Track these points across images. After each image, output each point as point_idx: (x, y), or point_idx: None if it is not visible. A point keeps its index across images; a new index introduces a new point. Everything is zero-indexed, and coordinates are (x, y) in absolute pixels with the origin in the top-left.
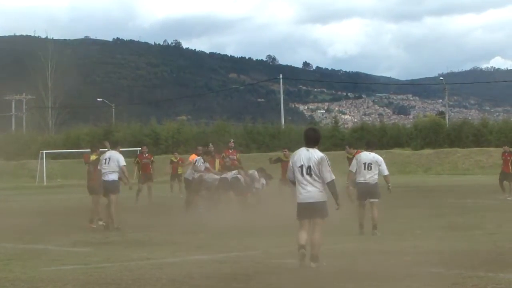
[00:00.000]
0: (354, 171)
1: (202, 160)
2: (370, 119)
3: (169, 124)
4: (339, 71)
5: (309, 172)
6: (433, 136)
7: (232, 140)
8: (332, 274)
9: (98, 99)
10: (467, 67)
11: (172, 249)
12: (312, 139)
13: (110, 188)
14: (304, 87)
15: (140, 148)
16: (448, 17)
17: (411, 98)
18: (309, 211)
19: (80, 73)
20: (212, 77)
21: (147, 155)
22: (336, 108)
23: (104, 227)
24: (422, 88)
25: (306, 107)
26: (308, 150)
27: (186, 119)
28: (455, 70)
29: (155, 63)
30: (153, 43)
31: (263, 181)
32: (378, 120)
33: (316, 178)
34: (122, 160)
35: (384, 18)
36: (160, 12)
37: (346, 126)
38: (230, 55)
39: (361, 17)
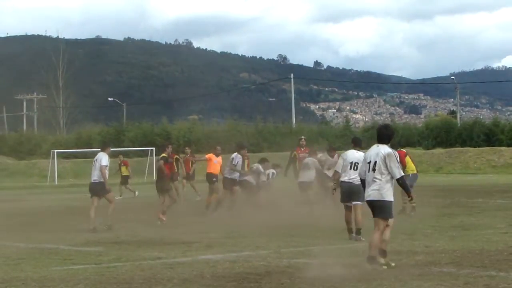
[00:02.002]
0: (340, 171)
1: (239, 157)
2: (381, 118)
3: (180, 123)
4: (350, 70)
5: (374, 168)
6: (445, 135)
7: (303, 137)
8: (343, 273)
9: (109, 99)
10: (479, 66)
11: (183, 248)
12: (382, 136)
13: (95, 189)
14: (315, 87)
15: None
16: (461, 16)
17: (423, 98)
18: (371, 209)
19: (91, 73)
20: (223, 77)
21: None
22: (347, 108)
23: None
24: (433, 87)
25: (317, 106)
26: (378, 146)
27: (197, 118)
28: (467, 69)
29: (166, 62)
30: (164, 43)
31: (270, 171)
32: (389, 119)
33: (378, 176)
34: (104, 161)
35: (397, 17)
36: (172, 12)
37: (357, 125)
38: (241, 55)
39: (374, 16)
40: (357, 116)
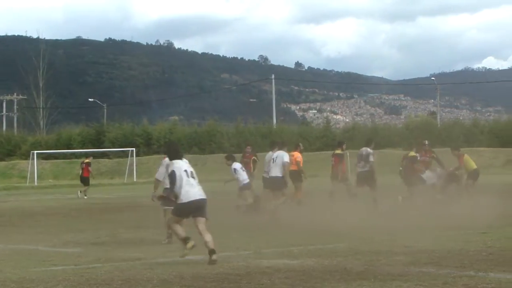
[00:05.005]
0: (161, 179)
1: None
2: (362, 119)
3: (161, 124)
4: (331, 71)
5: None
6: (425, 136)
7: (426, 141)
8: (323, 274)
9: (90, 99)
10: (459, 67)
11: (163, 249)
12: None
13: None
14: (296, 87)
15: None
16: (443, 17)
17: (403, 98)
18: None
19: (72, 73)
20: (204, 77)
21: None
22: (328, 108)
23: None
24: (413, 88)
25: (298, 107)
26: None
27: (178, 119)
28: (447, 70)
29: (147, 63)
30: (145, 43)
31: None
32: (370, 120)
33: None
34: None
35: (378, 18)
36: (153, 13)
37: (337, 126)
38: (223, 55)
39: (356, 17)
40: (338, 117)
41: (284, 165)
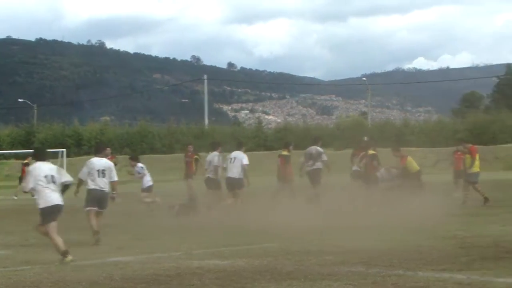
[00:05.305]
0: (84, 178)
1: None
2: (294, 119)
3: (92, 125)
4: (263, 71)
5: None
6: (356, 136)
7: (365, 138)
8: (253, 274)
9: (20, 100)
10: (390, 67)
11: (92, 250)
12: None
13: None
14: (228, 88)
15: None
16: (374, 18)
17: (334, 99)
18: None
19: (2, 73)
20: (136, 78)
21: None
22: (260, 109)
23: None
24: (345, 88)
25: (230, 107)
26: None
27: (109, 120)
28: (378, 71)
29: (78, 63)
30: (76, 43)
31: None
32: (302, 120)
33: None
34: None
35: (310, 19)
36: (85, 12)
37: (269, 126)
38: (155, 56)
39: (287, 18)
40: (270, 117)
41: (243, 167)
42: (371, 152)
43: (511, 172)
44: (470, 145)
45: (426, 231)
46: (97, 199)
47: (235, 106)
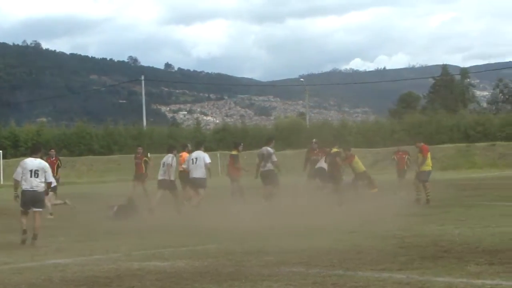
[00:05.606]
0: (18, 179)
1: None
2: (232, 120)
3: (28, 126)
4: (201, 72)
5: None
6: (294, 137)
7: (314, 140)
8: (194, 275)
9: None
10: (327, 68)
11: (31, 253)
12: None
13: None
14: (166, 89)
15: None
16: (311, 19)
17: (273, 100)
18: None
19: None
20: (73, 78)
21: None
22: (198, 110)
23: None
24: (283, 89)
25: (168, 108)
26: None
27: (46, 121)
28: (316, 71)
29: (13, 64)
30: (11, 44)
31: None
32: (240, 121)
33: None
34: None
35: (248, 20)
36: (20, 13)
37: (208, 127)
38: (92, 56)
39: (225, 18)
40: (208, 118)
41: (206, 166)
42: (334, 150)
43: (448, 172)
44: (421, 143)
45: (366, 231)
46: (30, 199)
47: (173, 107)
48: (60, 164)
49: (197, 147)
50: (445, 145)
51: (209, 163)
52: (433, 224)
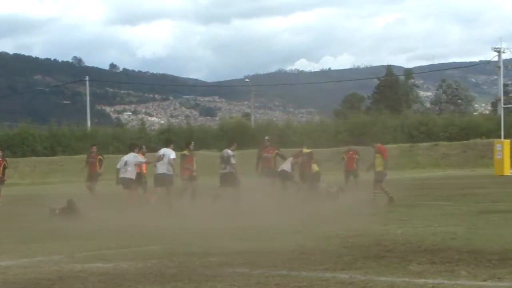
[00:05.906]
0: None
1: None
2: (177, 121)
3: None
4: (146, 72)
5: None
6: (239, 137)
7: (266, 137)
8: (137, 276)
9: None
10: (273, 69)
11: None
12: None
13: None
14: (111, 89)
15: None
16: (257, 20)
17: (218, 100)
18: None
19: None
20: (16, 79)
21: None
22: (143, 110)
23: None
24: (228, 90)
25: (112, 109)
26: None
27: None
28: (261, 72)
29: None
30: None
31: None
32: (185, 121)
33: None
34: None
35: (193, 20)
36: None
37: (153, 128)
38: (35, 56)
39: (171, 19)
40: (153, 118)
41: (170, 161)
42: (306, 150)
43: (392, 172)
44: (379, 144)
45: (310, 231)
46: None
47: (117, 107)
48: (6, 165)
49: (166, 145)
50: (389, 145)
51: (173, 159)
52: (376, 224)
